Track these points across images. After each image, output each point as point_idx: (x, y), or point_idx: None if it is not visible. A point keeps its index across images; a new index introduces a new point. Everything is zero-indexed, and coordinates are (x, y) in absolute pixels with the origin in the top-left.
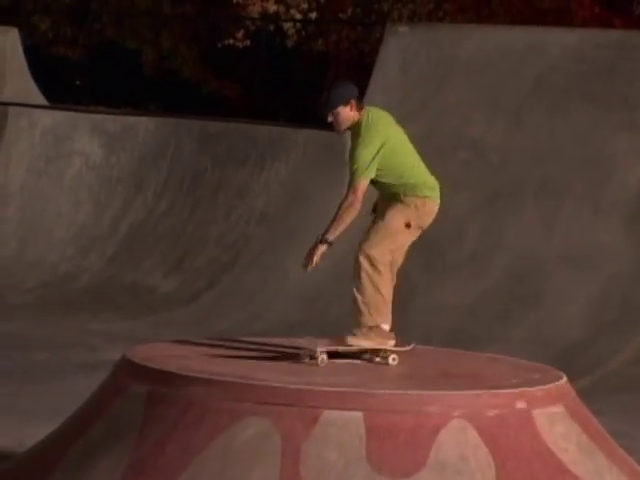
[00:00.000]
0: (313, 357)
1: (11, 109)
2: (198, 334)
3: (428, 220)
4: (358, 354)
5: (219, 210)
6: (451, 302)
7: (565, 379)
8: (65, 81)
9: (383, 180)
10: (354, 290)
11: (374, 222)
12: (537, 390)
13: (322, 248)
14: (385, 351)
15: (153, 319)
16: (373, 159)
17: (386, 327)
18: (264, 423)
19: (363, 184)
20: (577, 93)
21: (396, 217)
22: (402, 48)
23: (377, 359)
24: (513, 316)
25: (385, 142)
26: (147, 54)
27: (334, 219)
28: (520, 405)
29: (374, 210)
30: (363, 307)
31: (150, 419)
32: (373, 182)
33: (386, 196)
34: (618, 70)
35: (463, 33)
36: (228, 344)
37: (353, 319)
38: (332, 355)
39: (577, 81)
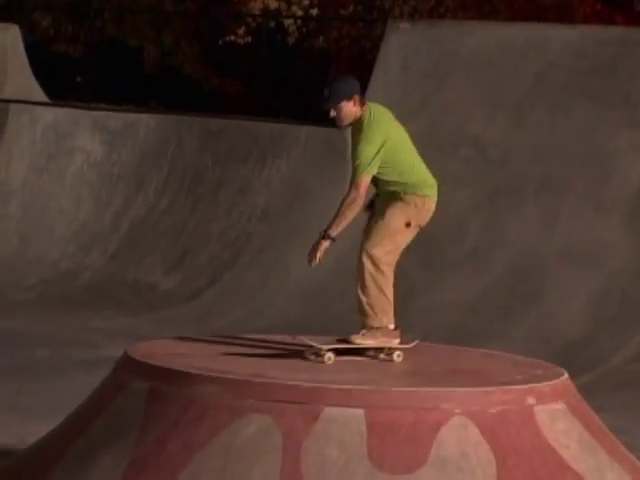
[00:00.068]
0: (319, 355)
1: (12, 106)
2: (199, 331)
3: (426, 218)
4: (362, 351)
5: (220, 207)
6: (452, 299)
7: (566, 376)
8: (66, 78)
9: (383, 177)
10: (358, 291)
11: (373, 221)
12: (544, 386)
13: (325, 244)
14: (390, 348)
15: (154, 316)
16: (375, 155)
17: (391, 326)
18: (265, 420)
19: (365, 180)
20: (578, 90)
21: (397, 216)
22: (403, 45)
23: (382, 356)
24: (514, 313)
25: (387, 139)
26: (148, 51)
27: (336, 215)
28: (522, 402)
29: (368, 208)
30: (368, 309)
31: (151, 416)
32: (373, 180)
33: (385, 194)
34: (619, 67)
35: (464, 30)
36: (229, 341)
37: (359, 320)
38: (337, 352)
39: (578, 78)
